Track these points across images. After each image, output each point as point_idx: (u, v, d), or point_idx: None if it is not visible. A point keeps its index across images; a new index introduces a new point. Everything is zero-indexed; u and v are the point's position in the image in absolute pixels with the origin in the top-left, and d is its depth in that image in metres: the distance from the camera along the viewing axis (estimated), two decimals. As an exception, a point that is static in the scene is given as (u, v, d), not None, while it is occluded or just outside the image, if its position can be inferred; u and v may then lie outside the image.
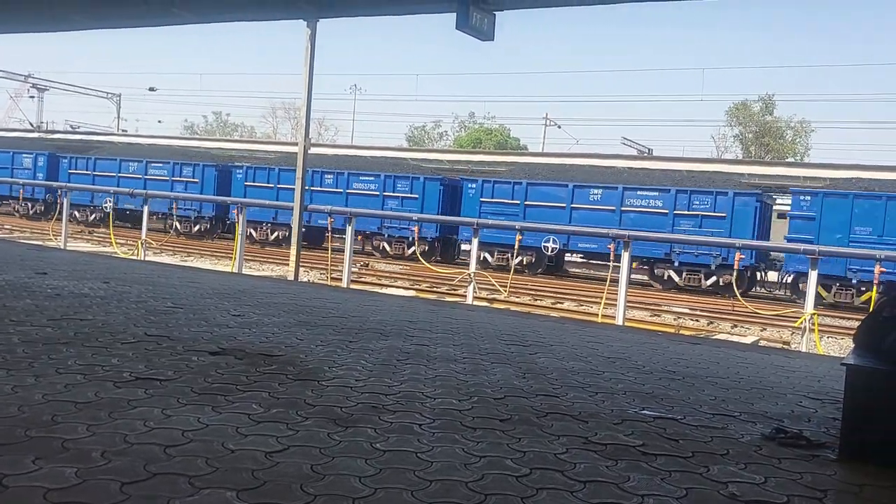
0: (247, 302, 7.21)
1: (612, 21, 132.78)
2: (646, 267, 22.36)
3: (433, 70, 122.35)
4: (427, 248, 24.94)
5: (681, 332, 13.50)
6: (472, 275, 12.61)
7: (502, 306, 14.31)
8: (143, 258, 15.81)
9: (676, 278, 21.65)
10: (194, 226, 29.90)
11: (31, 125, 55.29)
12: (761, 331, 15.33)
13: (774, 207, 23.15)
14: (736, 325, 15.75)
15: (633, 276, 15.71)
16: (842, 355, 10.79)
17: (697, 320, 16.29)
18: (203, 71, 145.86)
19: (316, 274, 19.42)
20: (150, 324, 5.48)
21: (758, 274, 21.81)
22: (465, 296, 12.95)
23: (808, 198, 20.16)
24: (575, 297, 18.14)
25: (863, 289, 18.31)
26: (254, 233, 27.34)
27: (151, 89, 63.86)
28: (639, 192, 22.87)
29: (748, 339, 13.34)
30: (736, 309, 16.79)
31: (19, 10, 15.19)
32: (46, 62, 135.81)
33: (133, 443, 2.82)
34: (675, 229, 21.28)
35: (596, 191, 23.34)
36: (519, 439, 3.28)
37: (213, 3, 13.56)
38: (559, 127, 59.68)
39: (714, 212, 21.42)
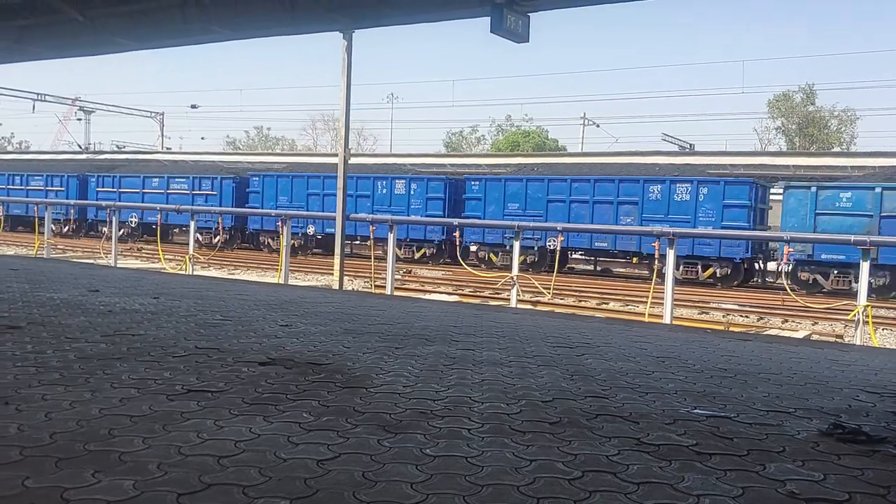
0: (294, 312, 7.29)
1: (648, 18, 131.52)
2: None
3: (469, 75, 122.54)
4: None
5: (730, 328, 13.29)
6: (516, 278, 12.57)
7: (546, 308, 14.24)
8: (190, 273, 16.09)
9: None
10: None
11: (80, 147, 56.72)
12: (813, 325, 15.00)
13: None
14: (787, 320, 15.44)
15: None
16: (899, 347, 10.50)
17: (747, 316, 16.01)
18: (243, 86, 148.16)
19: (360, 282, 19.56)
20: (199, 337, 5.57)
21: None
22: (509, 299, 12.92)
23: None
24: (620, 297, 17.97)
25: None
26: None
27: (193, 107, 64.98)
28: (176, 179, 31.92)
29: (800, 334, 13.06)
30: (786, 303, 16.47)
31: (64, 35, 15.61)
32: (92, 85, 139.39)
33: (188, 454, 2.86)
34: (193, 204, 28.33)
35: (155, 179, 32.36)
36: (569, 442, 3.25)
37: (250, 20, 13.76)
38: (598, 126, 59.26)
39: (211, 191, 30.46)
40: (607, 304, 17.41)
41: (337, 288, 14.70)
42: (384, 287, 14.11)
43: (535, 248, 23.40)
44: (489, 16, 10.63)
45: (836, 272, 19.84)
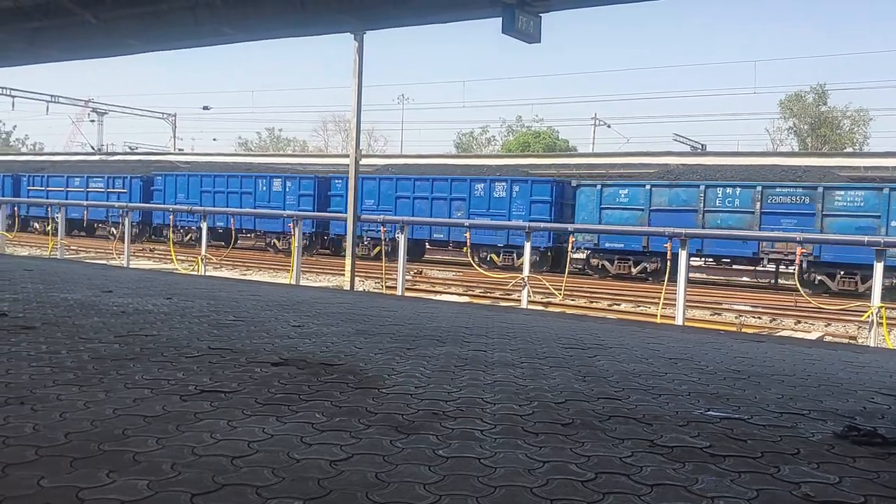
0: (306, 312, 7.30)
1: (659, 18, 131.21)
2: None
3: (480, 76, 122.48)
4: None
5: (743, 330, 13.22)
6: (527, 279, 12.55)
7: (558, 309, 14.21)
8: (203, 273, 16.15)
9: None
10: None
11: (93, 148, 57.05)
12: (826, 326, 14.91)
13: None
14: (799, 322, 15.35)
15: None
16: (914, 349, 10.40)
17: (759, 318, 15.93)
18: (255, 88, 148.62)
19: (371, 283, 19.57)
20: (212, 337, 5.59)
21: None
22: (520, 300, 12.90)
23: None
24: (632, 299, 17.91)
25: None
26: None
27: (205, 108, 65.32)
28: (94, 179, 35.25)
29: (813, 335, 13.00)
30: (799, 305, 16.37)
31: (77, 37, 15.70)
32: (105, 87, 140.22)
33: (201, 455, 2.87)
34: (108, 200, 31.94)
35: (77, 179, 35.42)
36: (582, 444, 3.25)
37: (261, 21, 13.80)
38: (608, 126, 59.15)
39: (122, 189, 33.79)
40: (619, 304, 17.36)
41: (348, 288, 14.73)
42: (395, 288, 14.11)
43: (388, 239, 26.07)
44: (500, 16, 10.61)
45: (618, 258, 22.92)
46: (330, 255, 27.63)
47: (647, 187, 22.80)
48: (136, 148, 60.07)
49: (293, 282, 14.51)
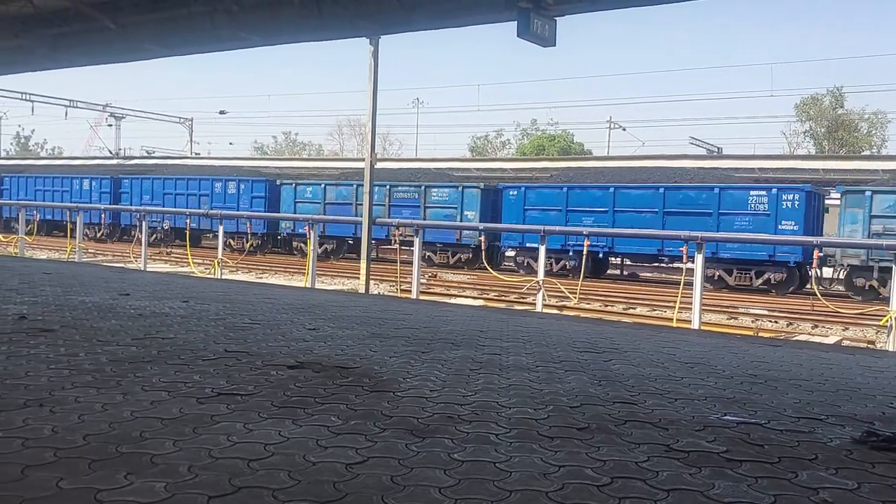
0: (321, 316, 7.33)
1: (675, 20, 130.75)
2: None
3: (495, 79, 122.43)
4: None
5: (760, 334, 13.13)
6: (541, 282, 12.52)
7: (572, 313, 14.17)
8: (219, 276, 16.23)
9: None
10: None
11: (110, 152, 57.50)
12: (844, 330, 14.79)
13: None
14: (817, 326, 15.23)
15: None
16: (933, 354, 10.27)
17: (776, 322, 15.81)
18: (271, 92, 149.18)
19: (386, 286, 19.59)
20: (229, 340, 5.62)
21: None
22: (535, 304, 12.88)
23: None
24: (647, 302, 17.83)
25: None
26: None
27: (222, 112, 65.64)
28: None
29: (830, 340, 12.90)
30: (816, 309, 16.24)
31: (97, 43, 15.85)
32: (123, 91, 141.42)
33: (218, 457, 2.89)
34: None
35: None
36: (598, 448, 3.23)
37: (277, 26, 13.89)
38: (624, 129, 58.97)
39: None
40: (634, 308, 17.28)
41: (363, 292, 14.76)
42: (410, 291, 14.12)
43: (161, 228, 31.51)
44: (516, 20, 10.63)
45: (334, 243, 27.69)
46: (125, 242, 31.57)
47: (322, 186, 28.40)
48: (153, 152, 60.52)
49: (308, 285, 14.57)
